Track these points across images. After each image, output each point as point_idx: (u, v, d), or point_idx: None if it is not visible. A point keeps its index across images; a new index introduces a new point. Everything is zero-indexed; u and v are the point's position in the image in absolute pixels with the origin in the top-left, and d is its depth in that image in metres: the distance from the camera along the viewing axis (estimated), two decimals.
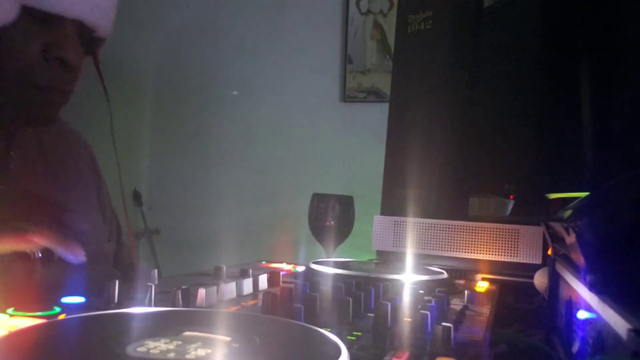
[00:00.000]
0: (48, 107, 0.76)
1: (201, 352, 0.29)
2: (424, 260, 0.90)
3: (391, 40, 2.17)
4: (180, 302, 0.48)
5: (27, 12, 0.68)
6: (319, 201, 1.07)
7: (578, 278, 0.44)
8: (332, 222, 1.05)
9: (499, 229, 0.87)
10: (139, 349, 0.29)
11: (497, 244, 0.86)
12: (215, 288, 0.51)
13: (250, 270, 0.66)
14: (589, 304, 0.39)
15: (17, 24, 0.68)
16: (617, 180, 0.39)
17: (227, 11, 2.41)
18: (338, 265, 0.71)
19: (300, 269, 0.81)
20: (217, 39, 2.42)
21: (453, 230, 0.90)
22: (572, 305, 0.49)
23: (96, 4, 0.74)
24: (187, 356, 0.29)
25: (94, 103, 0.89)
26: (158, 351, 0.29)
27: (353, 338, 0.40)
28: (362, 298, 0.49)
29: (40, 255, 0.67)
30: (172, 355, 0.29)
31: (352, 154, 2.19)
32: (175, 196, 2.38)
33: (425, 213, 0.94)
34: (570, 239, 0.42)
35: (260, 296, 0.50)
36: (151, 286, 0.47)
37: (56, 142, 0.88)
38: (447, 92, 1.00)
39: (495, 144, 1.06)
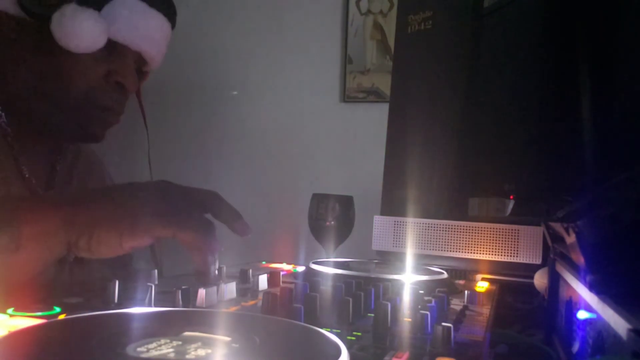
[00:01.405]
0: (102, 125, 0.83)
1: (201, 352, 0.29)
2: (424, 260, 0.90)
3: (391, 40, 2.17)
4: (180, 302, 0.48)
5: None
6: (319, 201, 1.07)
7: (578, 278, 0.44)
8: (332, 222, 1.05)
9: (499, 229, 0.87)
10: (139, 349, 0.29)
11: (497, 244, 0.86)
12: (215, 288, 0.51)
13: (250, 270, 0.66)
14: (589, 304, 0.39)
15: None
16: (617, 180, 0.39)
17: (227, 11, 2.41)
18: (338, 265, 0.71)
19: (300, 269, 0.81)
20: (217, 39, 2.42)
21: (453, 230, 0.90)
22: (572, 305, 0.49)
23: (155, 41, 0.82)
24: (187, 356, 0.29)
25: None
26: (158, 351, 0.29)
27: (353, 338, 0.40)
28: (362, 298, 0.49)
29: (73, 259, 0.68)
30: (172, 355, 0.29)
31: (352, 154, 2.19)
32: None
33: (425, 213, 0.94)
34: (570, 239, 0.42)
35: (260, 296, 0.50)
36: (151, 286, 0.47)
37: (85, 161, 0.96)
38: (447, 92, 1.00)
39: (495, 144, 1.06)
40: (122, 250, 0.55)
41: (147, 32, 0.79)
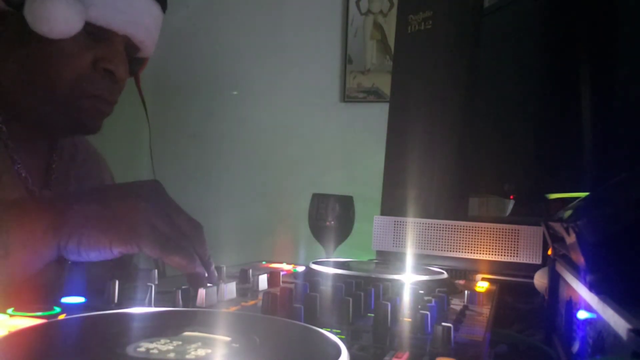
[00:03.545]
0: (95, 116, 0.80)
1: (201, 352, 0.29)
2: (424, 260, 0.90)
3: (391, 40, 2.17)
4: (180, 302, 0.48)
5: (84, 26, 0.72)
6: (319, 201, 1.07)
7: (578, 278, 0.44)
8: (332, 222, 1.05)
9: (499, 229, 0.87)
10: (139, 349, 0.29)
11: (497, 244, 0.86)
12: (215, 288, 0.51)
13: (250, 270, 0.66)
14: (589, 304, 0.39)
15: (74, 36, 0.72)
16: (617, 180, 0.39)
17: (227, 11, 2.41)
18: (338, 265, 0.71)
19: (300, 269, 0.81)
20: (217, 39, 2.42)
21: (453, 230, 0.90)
22: (572, 305, 0.49)
23: (144, 25, 0.79)
24: (187, 356, 0.29)
25: None
26: (158, 351, 0.29)
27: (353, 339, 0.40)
28: (362, 298, 0.49)
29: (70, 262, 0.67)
30: (172, 355, 0.29)
31: (352, 154, 2.19)
32: (175, 196, 2.38)
33: (425, 213, 0.94)
34: (570, 239, 0.42)
35: (260, 296, 0.50)
36: (151, 286, 0.47)
37: (84, 158, 0.93)
38: (447, 92, 1.00)
39: (495, 144, 1.06)
40: (111, 255, 0.54)
41: (131, 14, 0.76)
